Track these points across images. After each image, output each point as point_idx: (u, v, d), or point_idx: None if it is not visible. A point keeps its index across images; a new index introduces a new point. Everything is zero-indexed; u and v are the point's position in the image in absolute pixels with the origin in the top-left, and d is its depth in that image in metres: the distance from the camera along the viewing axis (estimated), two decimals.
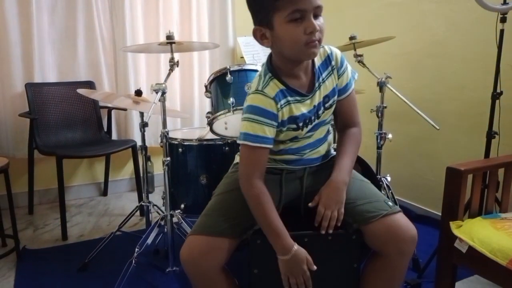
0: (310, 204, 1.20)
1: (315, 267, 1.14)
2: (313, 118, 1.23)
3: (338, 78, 1.26)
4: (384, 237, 1.15)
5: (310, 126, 1.24)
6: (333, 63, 1.24)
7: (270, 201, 1.15)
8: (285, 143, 1.26)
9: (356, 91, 1.37)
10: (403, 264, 1.21)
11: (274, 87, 1.17)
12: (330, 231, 1.16)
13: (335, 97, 1.27)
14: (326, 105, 1.25)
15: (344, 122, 1.32)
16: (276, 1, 1.05)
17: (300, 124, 1.22)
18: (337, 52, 1.26)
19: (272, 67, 1.19)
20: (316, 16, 1.07)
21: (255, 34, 1.14)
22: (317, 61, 1.23)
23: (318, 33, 1.07)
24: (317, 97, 1.22)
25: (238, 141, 1.18)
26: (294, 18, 1.05)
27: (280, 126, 1.19)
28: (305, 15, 1.05)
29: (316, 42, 1.08)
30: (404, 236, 1.15)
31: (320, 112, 1.24)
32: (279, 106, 1.16)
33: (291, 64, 1.17)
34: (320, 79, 1.22)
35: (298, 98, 1.19)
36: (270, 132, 1.16)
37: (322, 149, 1.33)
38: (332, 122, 1.35)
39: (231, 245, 1.15)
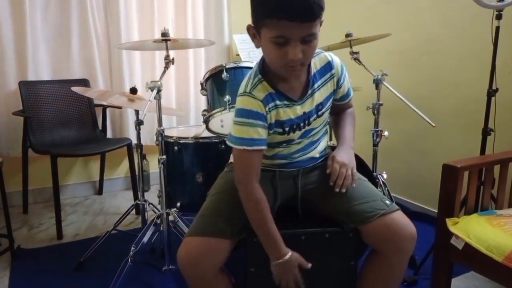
0: (328, 171, 1.20)
1: (309, 265, 1.13)
2: (302, 124, 1.21)
3: (338, 87, 1.26)
4: (382, 236, 1.15)
5: (298, 132, 1.22)
6: (333, 71, 1.22)
7: (268, 207, 1.14)
8: (273, 149, 1.25)
9: (353, 88, 1.38)
10: (402, 262, 1.21)
11: (262, 89, 1.14)
12: (344, 190, 1.18)
13: (329, 104, 1.26)
14: (319, 113, 1.23)
15: (339, 111, 1.40)
16: (266, 18, 1.01)
17: (287, 129, 1.20)
18: (337, 61, 1.24)
19: (263, 69, 1.16)
20: (305, 41, 1.02)
21: (248, 30, 1.11)
22: (314, 67, 1.20)
23: (301, 58, 1.04)
24: (308, 104, 1.20)
25: (231, 145, 1.15)
26: (277, 42, 1.02)
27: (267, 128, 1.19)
28: (289, 41, 1.01)
29: (297, 65, 1.06)
30: (403, 234, 1.15)
31: (312, 119, 1.23)
32: (267, 109, 1.14)
33: None
34: (315, 85, 1.20)
35: (286, 102, 1.17)
36: (263, 133, 1.15)
37: (315, 153, 1.31)
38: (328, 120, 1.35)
39: (228, 245, 1.14)
